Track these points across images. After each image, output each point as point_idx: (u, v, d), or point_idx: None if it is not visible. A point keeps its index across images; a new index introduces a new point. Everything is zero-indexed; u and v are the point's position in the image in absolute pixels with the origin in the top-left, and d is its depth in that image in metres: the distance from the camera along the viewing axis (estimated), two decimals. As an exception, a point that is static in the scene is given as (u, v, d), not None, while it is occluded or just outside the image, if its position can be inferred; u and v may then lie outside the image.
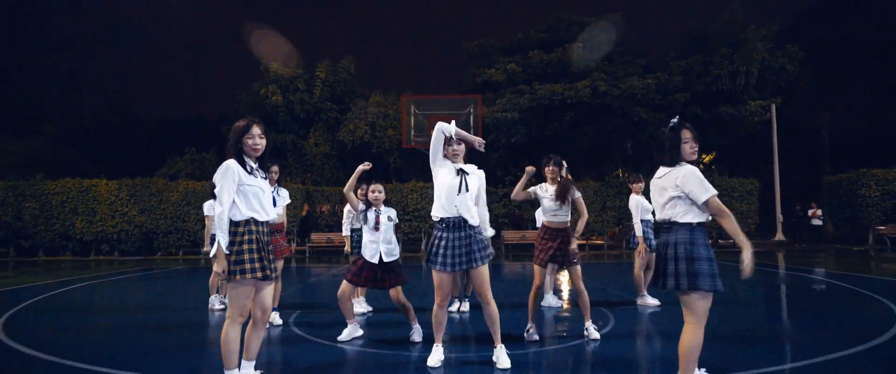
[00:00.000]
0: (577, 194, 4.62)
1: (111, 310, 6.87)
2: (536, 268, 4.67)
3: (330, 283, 9.73)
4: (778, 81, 20.07)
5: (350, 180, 4.44)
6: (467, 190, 3.67)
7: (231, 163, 3.05)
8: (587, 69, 19.47)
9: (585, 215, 4.75)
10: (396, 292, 4.56)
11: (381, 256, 4.49)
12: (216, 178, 3.05)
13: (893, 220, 16.95)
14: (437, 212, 3.70)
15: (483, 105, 18.50)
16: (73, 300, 7.56)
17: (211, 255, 2.94)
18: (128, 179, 16.97)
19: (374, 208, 4.58)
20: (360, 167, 4.31)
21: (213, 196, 6.27)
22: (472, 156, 3.90)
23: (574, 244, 4.60)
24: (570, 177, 4.70)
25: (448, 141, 3.71)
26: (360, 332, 4.79)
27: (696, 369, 3.07)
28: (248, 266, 2.99)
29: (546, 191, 4.60)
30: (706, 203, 2.91)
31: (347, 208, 6.04)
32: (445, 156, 3.74)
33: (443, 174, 3.69)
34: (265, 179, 3.21)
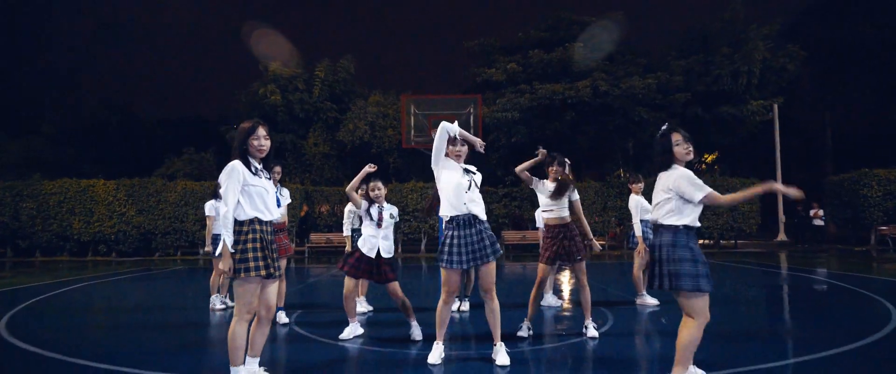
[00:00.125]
0: (576, 197, 4.71)
1: (112, 310, 6.85)
2: (541, 266, 4.71)
3: (329, 283, 9.72)
4: (779, 81, 20.00)
5: (354, 180, 4.52)
6: (474, 188, 3.75)
7: (236, 164, 3.12)
8: (588, 69, 19.39)
9: (583, 219, 4.81)
10: (396, 288, 4.62)
11: (378, 251, 4.59)
12: (221, 178, 3.12)
13: (895, 220, 16.87)
14: (446, 211, 3.73)
15: (483, 105, 18.38)
16: (74, 301, 7.54)
17: (216, 254, 2.92)
18: (126, 180, 16.87)
19: (376, 205, 4.67)
20: (366, 168, 4.42)
21: (214, 196, 6.54)
22: (472, 156, 3.94)
23: (592, 240, 4.69)
24: (571, 176, 4.73)
25: (452, 141, 3.76)
26: (361, 331, 4.83)
27: (693, 366, 3.15)
28: (252, 265, 3.06)
29: (545, 187, 4.67)
30: (705, 201, 2.99)
31: (348, 208, 6.13)
32: (447, 156, 3.77)
33: (448, 174, 3.74)
34: (269, 179, 3.29)
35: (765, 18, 20.66)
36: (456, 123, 3.81)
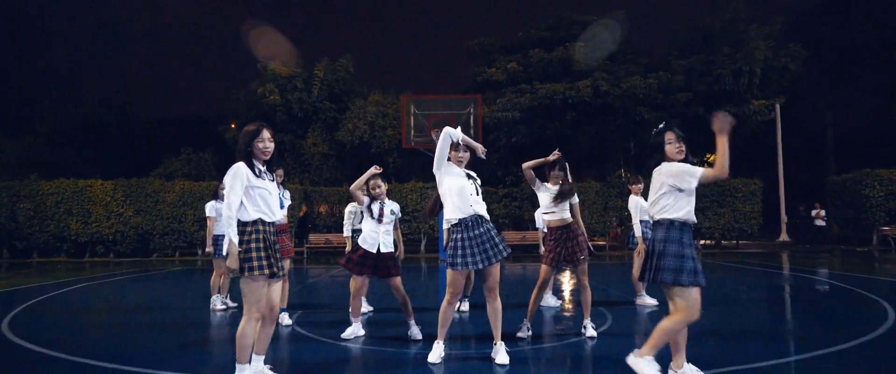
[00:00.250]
0: (576, 200, 4.77)
1: (114, 310, 6.87)
2: (544, 267, 4.74)
3: (329, 284, 9.75)
4: (781, 81, 19.89)
5: (359, 180, 4.67)
6: (479, 193, 3.87)
7: (240, 165, 3.18)
8: (589, 68, 19.29)
9: (580, 223, 4.82)
10: (398, 284, 4.71)
11: (379, 246, 4.69)
12: (226, 179, 3.19)
13: (898, 220, 16.81)
14: (452, 214, 3.78)
15: (483, 104, 18.28)
16: (75, 301, 7.61)
17: (222, 254, 2.93)
18: (123, 180, 16.77)
19: (378, 202, 4.75)
20: (372, 169, 4.64)
21: (215, 197, 6.55)
22: (472, 160, 4.02)
23: (584, 239, 4.71)
24: (572, 180, 4.80)
25: (455, 147, 3.84)
26: (362, 332, 4.88)
27: (688, 364, 3.27)
28: (255, 264, 3.13)
29: (547, 189, 4.72)
30: (702, 180, 3.06)
31: (348, 208, 6.24)
32: (450, 160, 3.85)
33: (452, 178, 3.80)
34: (273, 181, 3.36)
35: (766, 18, 20.54)
36: (459, 128, 3.87)
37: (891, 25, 21.74)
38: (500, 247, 3.74)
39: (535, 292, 4.73)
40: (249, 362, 3.26)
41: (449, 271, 3.77)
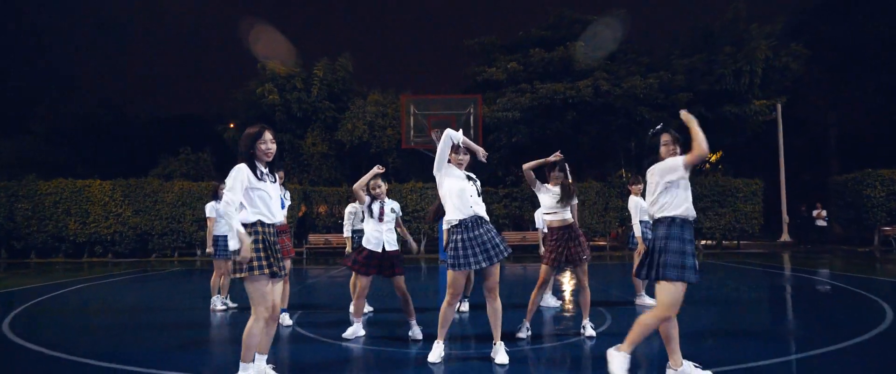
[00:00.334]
0: (575, 201, 4.83)
1: (114, 311, 6.88)
2: (544, 267, 4.77)
3: (329, 284, 9.76)
4: (783, 80, 19.81)
5: (362, 179, 4.77)
6: (479, 195, 3.93)
7: (242, 166, 3.22)
8: (589, 68, 19.19)
9: (576, 222, 4.85)
10: (401, 282, 4.78)
11: (384, 245, 4.74)
12: (228, 179, 3.22)
13: (899, 221, 16.75)
14: (453, 215, 3.83)
15: (483, 104, 18.20)
16: (75, 302, 7.62)
17: (234, 247, 3.09)
18: (122, 180, 16.70)
19: (378, 201, 4.81)
20: (375, 169, 4.74)
21: (215, 198, 6.54)
22: (472, 162, 4.08)
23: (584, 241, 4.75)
24: (572, 181, 4.84)
25: (455, 149, 3.90)
26: (363, 332, 4.93)
27: (686, 362, 3.31)
28: (255, 264, 3.17)
29: (547, 190, 4.74)
30: (687, 164, 3.16)
31: (349, 209, 6.33)
32: (450, 162, 3.91)
33: (452, 180, 3.86)
34: (274, 183, 3.40)
35: (767, 17, 20.36)
36: (461, 131, 3.94)
37: (892, 25, 21.65)
38: (501, 247, 3.79)
39: (534, 292, 4.75)
40: (253, 361, 3.32)
41: (450, 272, 3.80)
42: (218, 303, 6.54)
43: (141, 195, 16.39)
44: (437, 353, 3.92)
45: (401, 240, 5.07)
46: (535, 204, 5.69)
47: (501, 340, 3.95)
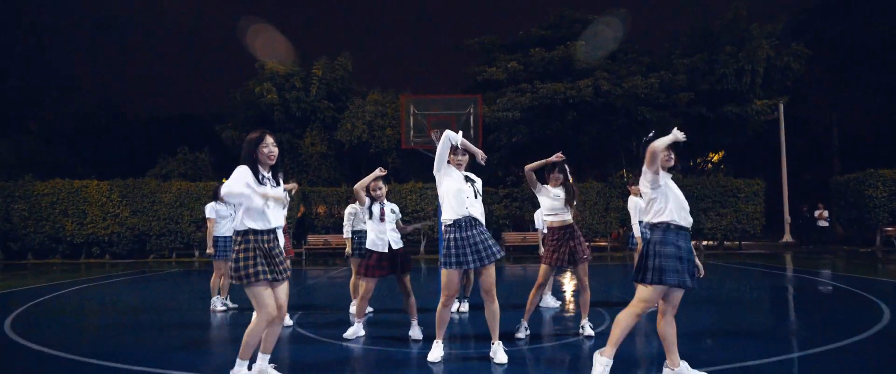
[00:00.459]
0: (574, 202, 4.87)
1: (114, 312, 6.87)
2: (543, 267, 4.79)
3: (328, 284, 9.75)
4: (784, 80, 19.74)
5: (364, 180, 4.83)
6: (477, 197, 3.97)
7: (244, 167, 3.23)
8: (590, 67, 19.11)
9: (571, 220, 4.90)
10: (407, 280, 4.83)
11: (389, 244, 4.78)
12: (231, 177, 3.21)
13: (901, 221, 16.66)
14: (449, 215, 3.91)
15: (484, 104, 18.07)
16: (75, 302, 7.56)
17: (273, 195, 3.16)
18: (119, 180, 16.60)
19: (378, 203, 4.86)
20: (377, 171, 4.81)
21: (215, 198, 6.53)
22: (472, 163, 4.14)
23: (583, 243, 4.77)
24: (572, 181, 4.85)
25: (454, 150, 3.97)
26: (363, 332, 4.97)
27: (681, 361, 3.33)
28: (251, 272, 3.17)
29: (549, 191, 4.75)
30: (650, 168, 3.19)
31: (349, 209, 6.31)
32: (449, 163, 3.99)
33: (450, 181, 3.94)
34: (276, 186, 3.39)
35: (769, 17, 20.25)
36: (460, 133, 4.01)
37: (892, 25, 21.56)
38: (493, 249, 3.86)
39: (533, 292, 4.77)
40: (252, 361, 3.35)
41: (444, 273, 3.87)
42: (218, 304, 6.54)
43: (138, 196, 16.29)
44: (436, 353, 3.98)
45: (404, 236, 5.09)
46: (536, 204, 5.67)
47: (500, 339, 3.99)
